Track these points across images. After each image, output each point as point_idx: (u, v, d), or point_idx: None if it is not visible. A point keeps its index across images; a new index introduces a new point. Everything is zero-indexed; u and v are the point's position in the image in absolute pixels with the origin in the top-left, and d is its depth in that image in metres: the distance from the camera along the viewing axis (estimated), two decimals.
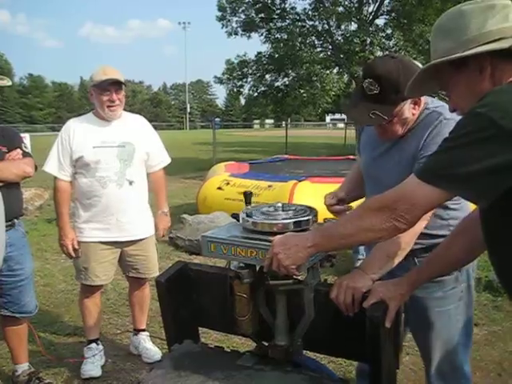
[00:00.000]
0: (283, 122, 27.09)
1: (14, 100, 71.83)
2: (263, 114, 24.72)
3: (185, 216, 6.65)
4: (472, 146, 1.25)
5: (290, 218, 1.70)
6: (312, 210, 1.77)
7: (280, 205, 1.77)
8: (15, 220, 2.97)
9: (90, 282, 3.32)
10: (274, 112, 21.79)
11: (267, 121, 66.05)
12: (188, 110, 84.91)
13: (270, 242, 1.58)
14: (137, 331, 3.62)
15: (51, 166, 3.22)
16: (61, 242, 3.28)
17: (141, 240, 3.38)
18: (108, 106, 3.18)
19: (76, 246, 3.25)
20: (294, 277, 1.67)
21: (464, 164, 1.25)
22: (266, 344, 1.86)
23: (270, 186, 6.42)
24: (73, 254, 3.27)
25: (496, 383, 3.22)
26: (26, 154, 2.99)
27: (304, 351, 1.91)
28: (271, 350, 1.79)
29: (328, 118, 69.59)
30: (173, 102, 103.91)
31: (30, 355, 3.47)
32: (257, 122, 73.31)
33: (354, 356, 1.86)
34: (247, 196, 1.87)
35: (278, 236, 1.57)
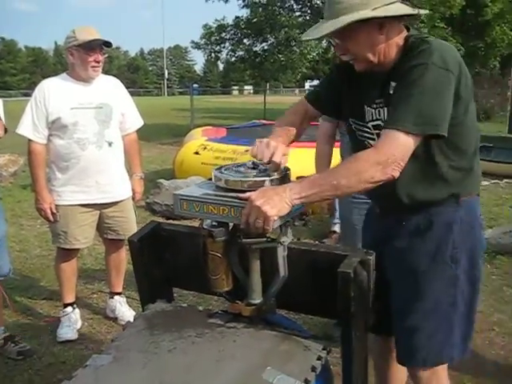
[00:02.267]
0: (262, 88, 26.87)
1: None
2: (241, 79, 24.43)
3: (161, 181, 6.61)
4: (442, 94, 1.60)
5: (264, 176, 1.68)
6: (286, 168, 1.75)
7: (251, 162, 1.75)
8: None
9: (69, 245, 3.29)
10: (252, 77, 21.58)
11: (246, 87, 65.61)
12: (166, 75, 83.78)
13: (245, 199, 1.56)
14: (113, 294, 3.62)
15: (25, 129, 3.14)
16: (38, 206, 3.23)
17: (120, 201, 3.35)
18: (92, 67, 3.12)
19: (54, 210, 3.20)
20: (268, 235, 1.66)
21: (442, 110, 1.61)
22: (240, 303, 1.86)
23: (247, 151, 6.36)
24: (51, 218, 3.22)
25: None
26: None
27: (279, 310, 1.92)
28: (244, 308, 1.79)
29: (307, 85, 69.33)
30: (150, 68, 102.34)
31: (6, 319, 3.48)
32: (235, 88, 72.78)
33: (328, 314, 1.87)
34: None
35: (252, 192, 1.56)
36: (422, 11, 1.73)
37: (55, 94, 3.12)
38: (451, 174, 1.78)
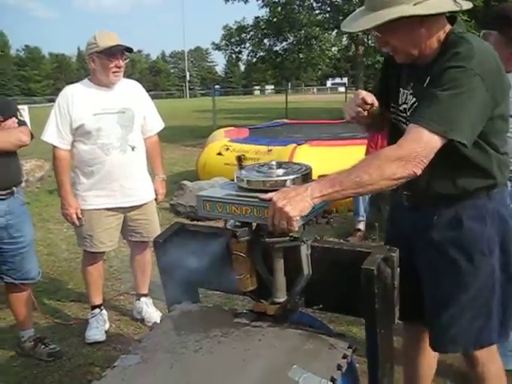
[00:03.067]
0: (283, 88, 26.85)
1: (11, 73, 71.41)
2: (263, 79, 24.42)
3: (185, 182, 6.65)
4: (473, 100, 1.59)
5: (286, 175, 1.68)
6: (307, 167, 1.76)
7: (274, 163, 1.75)
8: (14, 188, 2.98)
9: (95, 248, 3.35)
10: (272, 77, 21.60)
11: (268, 87, 65.56)
12: (187, 78, 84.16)
13: (266, 199, 1.57)
14: (139, 296, 3.66)
15: (50, 135, 3.19)
16: (64, 211, 3.28)
17: (144, 204, 3.39)
18: (114, 72, 3.16)
19: (80, 215, 3.25)
20: (291, 234, 1.67)
21: (470, 116, 1.60)
22: (265, 302, 1.87)
23: (269, 150, 6.40)
24: (77, 223, 3.27)
25: None
26: (21, 123, 2.97)
27: (304, 309, 1.92)
28: (269, 307, 1.79)
29: (329, 83, 68.97)
30: (172, 71, 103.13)
31: (36, 322, 3.54)
32: (257, 88, 72.79)
33: (353, 312, 1.87)
34: (240, 159, 1.85)
35: (274, 193, 1.56)
36: (465, 5, 1.70)
37: (78, 101, 3.16)
38: (486, 163, 1.79)
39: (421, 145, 1.56)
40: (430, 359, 2.29)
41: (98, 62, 3.16)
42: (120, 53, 3.17)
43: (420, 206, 1.94)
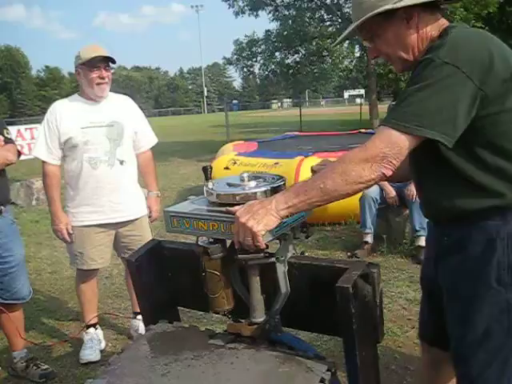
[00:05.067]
0: (300, 101, 26.83)
1: (32, 93, 72.65)
2: (280, 93, 24.35)
3: (190, 197, 6.56)
4: (444, 92, 1.42)
5: (257, 187, 1.60)
6: (281, 178, 1.67)
7: (246, 175, 1.67)
8: (2, 207, 2.93)
9: (86, 266, 3.28)
10: (285, 89, 21.60)
11: (285, 100, 65.65)
12: (205, 93, 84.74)
13: (231, 213, 1.49)
14: (136, 314, 3.58)
15: (39, 151, 3.15)
16: (54, 227, 3.24)
17: (135, 220, 3.32)
18: (97, 84, 3.11)
19: (70, 231, 3.20)
20: (266, 250, 1.57)
21: (441, 110, 1.42)
22: (243, 322, 1.77)
23: (276, 164, 6.29)
24: (68, 239, 3.22)
25: None
26: (8, 141, 2.93)
27: (286, 328, 1.82)
28: (244, 328, 1.70)
29: (346, 94, 68.78)
30: (190, 87, 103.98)
31: (33, 341, 3.49)
32: (275, 101, 72.94)
33: (333, 331, 1.77)
34: (206, 171, 1.76)
35: (238, 206, 1.48)
36: None
37: (66, 115, 3.12)
38: (490, 179, 1.53)
39: (388, 145, 1.42)
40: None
41: (82, 75, 3.13)
42: (103, 64, 3.11)
43: (435, 225, 1.78)
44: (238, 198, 1.57)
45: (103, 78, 3.11)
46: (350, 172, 1.43)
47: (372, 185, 1.47)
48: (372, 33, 1.62)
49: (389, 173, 1.44)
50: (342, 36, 1.76)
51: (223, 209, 1.54)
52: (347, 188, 1.44)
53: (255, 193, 1.57)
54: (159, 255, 1.94)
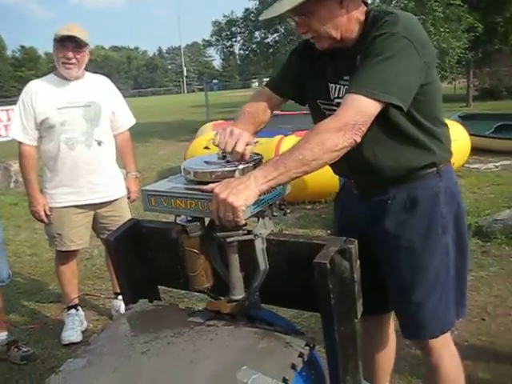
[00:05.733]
0: None
1: (8, 74, 71.33)
2: (260, 72, 24.25)
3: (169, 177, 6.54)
4: (404, 62, 1.58)
5: (234, 166, 1.60)
6: (258, 157, 1.67)
7: (222, 153, 1.67)
8: None
9: (65, 247, 3.27)
10: (265, 69, 21.46)
11: (265, 79, 65.31)
12: (185, 73, 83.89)
13: (208, 191, 1.49)
14: (117, 294, 3.58)
15: (14, 132, 3.11)
16: (32, 209, 3.22)
17: (114, 201, 3.30)
18: (63, 63, 3.06)
19: (48, 212, 3.17)
20: (244, 227, 1.58)
21: (402, 78, 1.58)
22: (223, 299, 1.79)
23: (256, 142, 6.21)
24: (45, 220, 3.20)
25: (479, 328, 3.18)
26: None
27: (265, 305, 1.84)
28: (223, 305, 1.71)
29: None
30: (169, 67, 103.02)
31: (14, 323, 3.48)
32: (255, 81, 72.54)
33: (311, 307, 1.78)
34: None
35: (215, 184, 1.48)
36: None
37: (42, 95, 3.07)
38: (426, 139, 1.78)
39: (358, 113, 1.53)
40: (388, 353, 2.28)
41: (54, 53, 3.09)
42: (72, 44, 3.04)
43: (371, 193, 1.89)
44: (214, 175, 1.57)
45: (69, 59, 3.05)
46: (325, 141, 1.50)
47: (345, 151, 1.54)
48: (306, 10, 1.66)
49: (358, 139, 1.54)
50: (280, 12, 1.69)
51: (198, 187, 1.55)
52: (325, 157, 1.51)
53: (233, 170, 1.56)
54: (138, 235, 1.93)
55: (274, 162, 1.49)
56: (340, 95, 1.80)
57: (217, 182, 1.52)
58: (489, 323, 3.24)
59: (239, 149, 1.64)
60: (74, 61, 3.06)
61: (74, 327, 3.33)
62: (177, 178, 1.75)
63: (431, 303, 1.85)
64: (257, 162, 1.63)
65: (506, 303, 3.50)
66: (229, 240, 1.64)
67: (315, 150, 1.49)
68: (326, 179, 3.70)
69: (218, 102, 28.43)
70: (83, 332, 3.39)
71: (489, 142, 9.33)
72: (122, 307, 3.49)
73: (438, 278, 1.84)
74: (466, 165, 7.94)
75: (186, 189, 1.59)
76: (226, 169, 1.58)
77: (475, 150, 8.37)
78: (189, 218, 1.64)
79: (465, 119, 9.91)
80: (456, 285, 1.89)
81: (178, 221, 1.67)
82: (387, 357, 2.30)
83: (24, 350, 3.13)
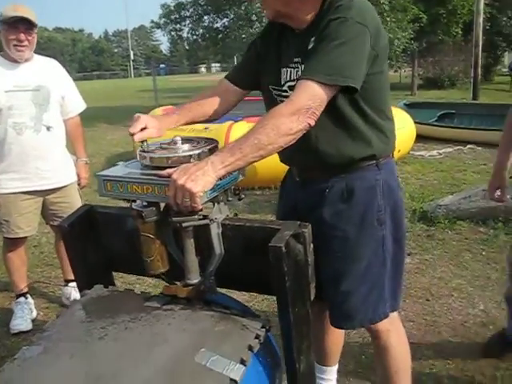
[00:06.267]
0: (230, 65, 26.58)
1: None
2: (206, 57, 24.02)
3: (119, 163, 6.45)
4: (357, 48, 1.60)
5: (190, 151, 1.61)
6: (213, 141, 1.69)
7: (179, 138, 1.68)
8: None
9: (13, 234, 3.20)
10: (214, 54, 21.30)
11: (213, 65, 64.90)
12: (132, 57, 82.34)
13: (165, 176, 1.50)
14: (67, 281, 3.54)
15: None
16: None
17: (63, 187, 3.25)
18: (14, 45, 2.97)
19: None
20: (200, 213, 1.60)
21: (356, 64, 1.60)
22: (178, 283, 1.80)
23: (206, 128, 6.25)
24: None
25: (424, 308, 3.31)
26: None
27: (221, 289, 1.86)
28: (180, 290, 1.73)
29: None
30: (116, 50, 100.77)
31: None
32: (203, 66, 71.95)
33: (266, 290, 1.82)
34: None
35: (172, 169, 1.49)
36: None
37: None
38: (370, 131, 1.80)
39: (312, 98, 1.55)
40: (335, 336, 2.33)
41: (2, 34, 3.00)
42: (23, 26, 2.97)
43: (312, 180, 1.92)
44: (171, 161, 1.58)
45: (21, 41, 2.97)
46: (280, 125, 1.52)
47: (300, 135, 1.58)
48: None
49: (312, 123, 1.57)
50: None
51: (155, 172, 1.55)
52: (280, 140, 1.54)
53: (189, 156, 1.58)
54: (92, 220, 1.92)
55: (230, 148, 1.52)
56: (290, 78, 1.82)
57: (173, 167, 1.54)
58: (432, 303, 3.38)
59: (141, 135, 1.71)
60: (25, 43, 2.98)
61: (24, 316, 3.27)
62: (132, 163, 1.74)
63: (360, 293, 1.88)
64: (213, 147, 1.65)
65: (449, 285, 3.66)
66: (184, 225, 1.66)
67: (271, 135, 1.51)
68: (275, 166, 3.74)
69: (166, 88, 28.11)
70: (33, 320, 3.34)
71: (433, 129, 9.62)
72: (73, 294, 3.47)
73: (371, 269, 1.87)
74: (411, 152, 8.16)
75: (143, 174, 1.59)
76: (182, 154, 1.59)
77: (420, 138, 8.61)
78: (144, 203, 1.65)
79: (410, 107, 10.17)
80: (392, 276, 1.92)
81: (133, 206, 1.67)
82: (334, 341, 2.35)
83: None
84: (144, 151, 1.64)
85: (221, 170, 1.48)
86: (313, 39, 1.69)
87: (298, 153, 1.80)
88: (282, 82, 1.85)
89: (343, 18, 1.61)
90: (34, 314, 3.41)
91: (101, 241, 1.96)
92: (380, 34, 1.70)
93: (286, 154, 1.93)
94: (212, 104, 2.00)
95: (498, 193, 2.59)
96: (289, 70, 1.82)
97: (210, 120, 2.04)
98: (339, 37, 1.59)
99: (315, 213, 1.88)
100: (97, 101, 21.13)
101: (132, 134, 1.71)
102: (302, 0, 1.72)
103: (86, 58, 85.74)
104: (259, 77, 1.96)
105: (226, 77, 2.04)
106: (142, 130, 1.71)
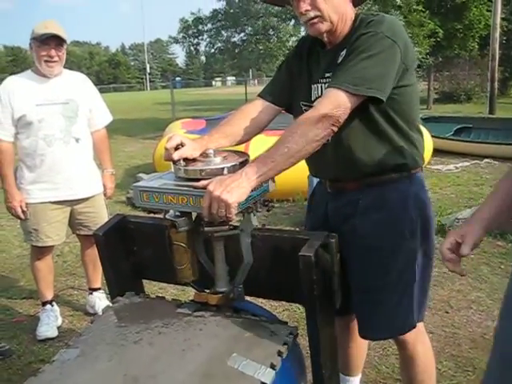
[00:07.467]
0: (244, 79, 26.77)
1: None
2: (224, 70, 24.18)
3: (141, 175, 6.58)
4: (385, 61, 1.67)
5: (223, 163, 1.68)
6: (244, 155, 1.76)
7: (211, 151, 1.74)
8: None
9: (41, 243, 3.28)
10: (231, 68, 21.47)
11: (229, 78, 65.27)
12: (148, 70, 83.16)
13: (200, 187, 1.56)
14: (92, 290, 3.61)
15: None
16: (8, 205, 3.21)
17: (90, 197, 3.33)
18: (46, 61, 3.07)
19: (24, 208, 3.18)
20: (230, 222, 1.66)
21: (382, 76, 1.66)
22: (208, 291, 1.86)
23: None
24: (22, 216, 3.20)
25: (443, 320, 3.34)
26: None
27: (249, 298, 1.92)
28: (210, 297, 1.79)
29: None
30: (132, 63, 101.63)
31: None
32: (218, 79, 72.38)
33: (294, 299, 1.88)
34: None
35: (207, 180, 1.55)
36: None
37: (20, 91, 3.08)
38: (401, 141, 1.83)
39: (336, 105, 1.62)
40: (359, 346, 2.35)
41: (33, 50, 3.10)
42: (54, 42, 3.06)
43: (345, 191, 1.94)
44: (204, 173, 1.64)
45: (52, 57, 3.07)
46: (308, 132, 1.59)
47: (324, 141, 1.65)
48: None
49: (335, 129, 1.64)
50: None
51: (190, 183, 1.62)
52: (308, 147, 1.61)
53: (222, 168, 1.64)
54: (125, 229, 1.99)
55: (262, 159, 1.58)
56: (320, 94, 1.85)
57: (206, 179, 1.60)
58: (452, 316, 3.40)
59: (175, 156, 1.73)
60: (56, 58, 3.09)
61: (50, 323, 3.35)
62: (167, 175, 1.81)
63: (391, 304, 1.90)
64: (243, 161, 1.71)
65: (468, 297, 3.68)
66: (216, 235, 1.73)
67: (299, 142, 1.58)
68: (295, 178, 3.80)
69: (182, 100, 28.33)
70: (58, 328, 3.41)
71: (449, 144, 9.63)
72: (97, 303, 3.54)
73: (401, 281, 1.88)
74: (428, 166, 8.17)
75: (177, 185, 1.66)
76: (215, 166, 1.66)
77: (436, 152, 8.63)
78: (177, 214, 1.72)
79: (426, 121, 10.19)
80: (419, 289, 1.93)
81: (167, 216, 1.74)
82: (359, 351, 2.37)
83: (0, 345, 3.13)
84: (179, 163, 1.71)
85: (254, 181, 1.54)
86: (342, 53, 1.76)
87: (330, 165, 1.87)
88: (313, 98, 1.89)
89: (373, 32, 1.68)
90: (60, 321, 3.48)
91: (132, 249, 2.03)
92: (408, 48, 1.75)
93: (318, 167, 1.99)
94: (244, 126, 2.02)
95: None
96: (319, 85, 1.87)
97: (241, 142, 2.08)
98: (368, 49, 1.66)
99: (348, 223, 1.90)
100: (114, 113, 21.18)
101: (167, 149, 1.76)
102: (347, 16, 1.79)
103: (102, 70, 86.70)
104: (292, 94, 2.00)
105: (259, 95, 2.06)
106: (177, 147, 1.75)
